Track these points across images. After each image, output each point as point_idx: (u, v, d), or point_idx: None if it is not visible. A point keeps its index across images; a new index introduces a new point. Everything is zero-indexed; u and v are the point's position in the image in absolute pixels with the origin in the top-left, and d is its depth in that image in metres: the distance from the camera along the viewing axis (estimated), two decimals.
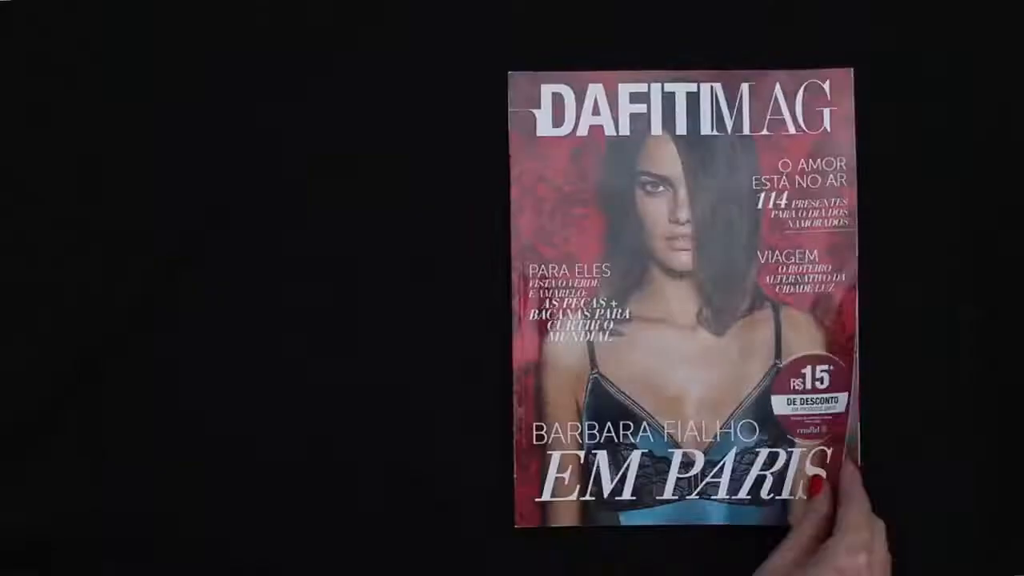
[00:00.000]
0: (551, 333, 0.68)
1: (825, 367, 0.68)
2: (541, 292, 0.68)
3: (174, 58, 0.68)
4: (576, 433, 0.68)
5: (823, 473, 0.68)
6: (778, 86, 0.68)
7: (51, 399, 0.68)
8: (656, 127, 0.68)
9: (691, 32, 0.69)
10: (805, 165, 0.68)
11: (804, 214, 0.68)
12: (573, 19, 0.69)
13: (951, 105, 0.70)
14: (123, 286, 0.69)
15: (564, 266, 0.68)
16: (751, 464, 0.68)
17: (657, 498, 0.68)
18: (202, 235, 0.68)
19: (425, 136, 0.68)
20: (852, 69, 0.69)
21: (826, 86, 0.68)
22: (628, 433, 0.68)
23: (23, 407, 0.68)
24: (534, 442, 0.68)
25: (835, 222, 0.68)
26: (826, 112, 0.68)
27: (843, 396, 0.68)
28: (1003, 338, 0.69)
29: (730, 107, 0.68)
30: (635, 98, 0.68)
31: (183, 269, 0.68)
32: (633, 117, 0.68)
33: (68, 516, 0.64)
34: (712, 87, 0.68)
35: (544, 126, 0.68)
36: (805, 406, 0.68)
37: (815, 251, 0.68)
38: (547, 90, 0.68)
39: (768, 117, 0.68)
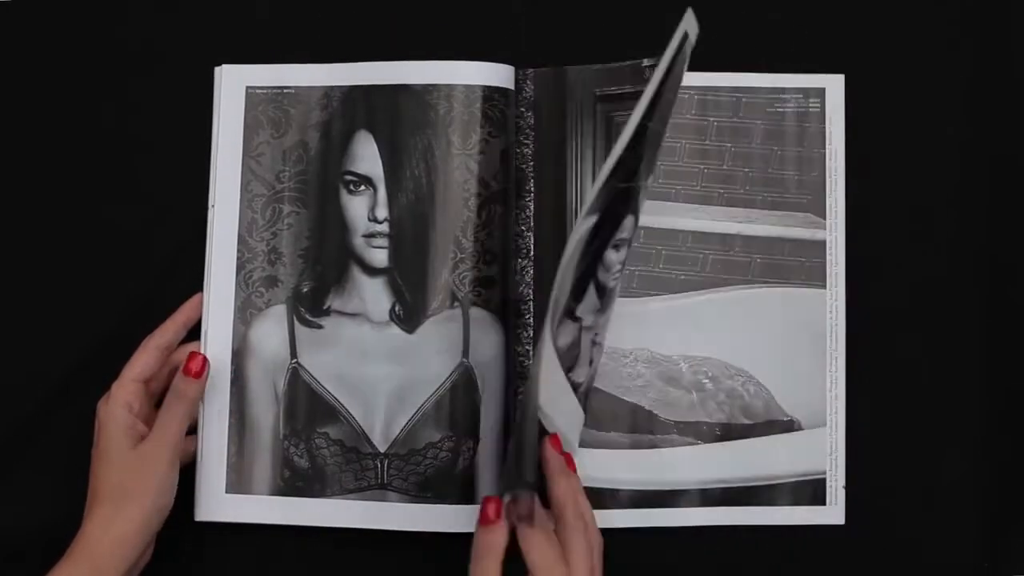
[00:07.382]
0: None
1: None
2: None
3: None
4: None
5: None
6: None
7: (49, 400, 0.69)
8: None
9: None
10: None
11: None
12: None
13: (946, 109, 0.71)
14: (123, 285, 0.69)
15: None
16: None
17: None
18: None
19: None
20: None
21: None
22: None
23: (21, 408, 0.69)
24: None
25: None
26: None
27: None
28: (1004, 338, 0.70)
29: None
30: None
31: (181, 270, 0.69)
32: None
33: (68, 516, 0.64)
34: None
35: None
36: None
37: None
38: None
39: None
